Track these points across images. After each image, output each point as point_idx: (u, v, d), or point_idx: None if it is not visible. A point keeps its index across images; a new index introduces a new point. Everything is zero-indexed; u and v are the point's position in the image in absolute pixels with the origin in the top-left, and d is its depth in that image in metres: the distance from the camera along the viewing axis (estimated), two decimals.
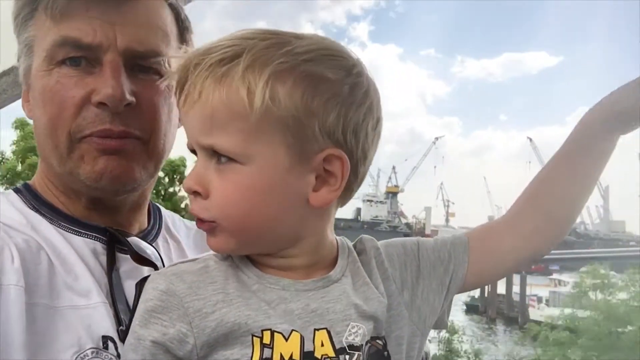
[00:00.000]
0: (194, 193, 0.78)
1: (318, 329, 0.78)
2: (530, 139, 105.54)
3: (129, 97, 0.92)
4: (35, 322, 0.83)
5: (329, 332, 0.78)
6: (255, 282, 0.80)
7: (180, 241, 1.13)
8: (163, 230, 1.12)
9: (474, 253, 0.92)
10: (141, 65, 0.95)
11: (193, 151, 0.80)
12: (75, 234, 0.97)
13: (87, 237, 0.97)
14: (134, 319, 0.79)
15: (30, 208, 0.98)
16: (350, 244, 0.90)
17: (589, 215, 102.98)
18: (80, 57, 0.93)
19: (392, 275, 0.88)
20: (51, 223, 0.96)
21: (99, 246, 0.97)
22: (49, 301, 0.86)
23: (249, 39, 0.76)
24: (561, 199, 0.92)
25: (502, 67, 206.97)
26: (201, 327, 0.75)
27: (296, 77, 0.74)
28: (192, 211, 0.80)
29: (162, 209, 1.17)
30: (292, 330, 0.76)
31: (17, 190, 1.03)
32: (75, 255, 0.93)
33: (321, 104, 0.75)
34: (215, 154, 0.76)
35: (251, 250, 0.81)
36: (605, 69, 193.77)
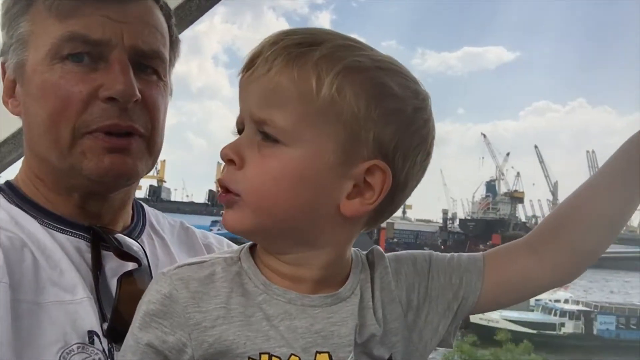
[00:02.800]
0: (229, 161, 0.77)
1: (320, 352, 0.76)
2: (484, 135, 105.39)
3: (138, 94, 0.95)
4: (21, 319, 0.84)
5: (330, 357, 0.77)
6: (261, 292, 0.78)
7: (164, 237, 1.12)
8: (147, 227, 1.11)
9: (489, 279, 0.86)
10: (143, 64, 0.98)
11: (240, 130, 0.79)
12: (60, 232, 0.97)
13: (71, 235, 0.98)
14: (133, 321, 0.79)
15: (13, 205, 0.98)
16: (364, 257, 0.87)
17: (540, 209, 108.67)
18: (83, 53, 0.94)
19: (398, 297, 0.84)
20: (35, 220, 0.97)
21: (83, 244, 0.98)
22: (34, 297, 0.87)
23: (328, 33, 0.77)
24: (593, 233, 0.86)
25: (461, 61, 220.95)
26: (199, 341, 0.75)
27: (366, 79, 0.74)
28: (222, 180, 0.78)
29: (145, 206, 1.16)
30: (292, 354, 0.75)
31: None
32: (61, 251, 0.94)
33: (383, 114, 0.74)
34: (262, 131, 0.75)
35: (263, 239, 0.80)
36: (560, 65, 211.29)
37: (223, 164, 0.79)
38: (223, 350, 0.76)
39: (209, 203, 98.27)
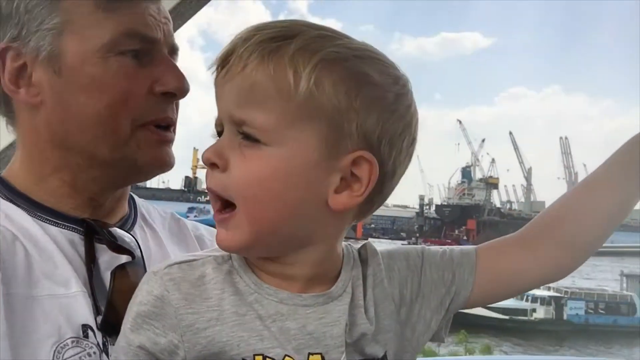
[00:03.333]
0: (212, 165, 0.76)
1: (313, 353, 0.76)
2: (460, 121, 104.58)
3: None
4: (14, 313, 0.84)
5: (323, 358, 0.76)
6: (253, 292, 0.77)
7: (155, 229, 1.12)
8: (139, 219, 1.11)
9: (482, 275, 0.86)
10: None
11: (219, 132, 0.77)
12: (52, 225, 0.97)
13: (64, 228, 0.97)
14: (124, 322, 0.78)
15: (3, 199, 0.98)
16: (356, 253, 0.85)
17: (514, 194, 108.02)
18: (139, 50, 0.98)
19: (391, 295, 0.84)
20: (27, 213, 0.96)
21: (77, 237, 0.97)
22: (27, 291, 0.87)
23: (301, 25, 0.75)
24: (588, 230, 0.86)
25: (438, 46, 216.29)
26: (192, 343, 0.74)
27: (344, 70, 0.72)
28: (209, 186, 0.76)
29: (136, 198, 1.16)
30: (285, 355, 0.74)
31: None
32: (53, 244, 0.93)
33: (364, 103, 0.73)
34: (242, 131, 0.73)
35: (261, 249, 0.77)
36: (535, 52, 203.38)
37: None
38: (216, 352, 0.75)
39: (186, 189, 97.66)
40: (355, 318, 0.80)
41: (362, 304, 0.81)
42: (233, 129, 0.75)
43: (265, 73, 0.72)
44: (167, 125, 1.03)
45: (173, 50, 1.05)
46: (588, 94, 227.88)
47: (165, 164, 1.03)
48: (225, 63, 0.75)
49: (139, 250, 1.01)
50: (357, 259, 0.85)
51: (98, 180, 1.01)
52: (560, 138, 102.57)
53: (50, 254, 0.93)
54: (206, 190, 0.79)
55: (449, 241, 75.11)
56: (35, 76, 0.98)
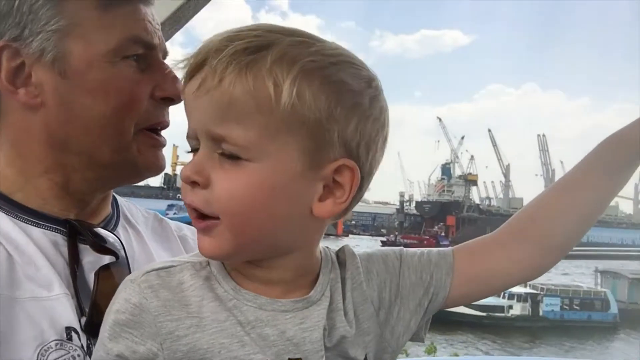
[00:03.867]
0: (192, 183, 0.74)
1: (293, 359, 0.76)
2: (440, 119, 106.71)
3: None
4: None
5: None
6: (232, 298, 0.77)
7: (139, 229, 1.12)
8: (122, 219, 1.11)
9: (459, 275, 0.87)
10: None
11: (194, 147, 0.76)
12: (34, 226, 0.96)
13: (47, 229, 0.97)
14: (102, 330, 0.77)
15: None
16: (334, 255, 0.85)
17: (493, 190, 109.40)
18: (142, 55, 1.00)
19: (370, 297, 0.84)
20: (7, 215, 0.95)
21: (60, 238, 0.97)
22: (9, 293, 0.86)
23: (273, 32, 0.73)
24: (563, 230, 0.87)
25: (418, 44, 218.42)
26: (172, 350, 0.74)
27: (323, 79, 0.72)
28: (190, 203, 0.75)
29: (118, 198, 1.15)
30: None
31: None
32: (35, 247, 0.93)
33: (343, 112, 0.73)
34: (221, 147, 0.72)
35: (244, 256, 0.77)
36: (513, 49, 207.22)
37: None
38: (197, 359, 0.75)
39: (165, 186, 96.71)
40: (334, 322, 0.80)
41: (342, 307, 0.82)
42: (211, 144, 0.74)
43: (244, 88, 0.71)
44: (161, 129, 1.06)
45: (165, 55, 1.07)
46: (564, 91, 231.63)
47: (160, 167, 1.07)
48: (195, 73, 0.73)
49: (122, 250, 1.01)
50: (335, 261, 0.85)
51: (91, 181, 1.02)
52: (538, 135, 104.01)
53: (32, 256, 0.92)
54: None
55: (428, 237, 75.12)
56: (36, 77, 0.97)
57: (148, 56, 1.02)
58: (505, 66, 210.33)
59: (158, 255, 1.09)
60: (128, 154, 1.01)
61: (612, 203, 0.92)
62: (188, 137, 0.77)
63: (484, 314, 29.00)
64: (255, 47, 0.71)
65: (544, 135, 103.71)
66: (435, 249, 0.91)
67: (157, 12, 1.06)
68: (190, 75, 0.74)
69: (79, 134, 0.98)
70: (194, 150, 0.76)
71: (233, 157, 0.73)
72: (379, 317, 0.85)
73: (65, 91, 0.97)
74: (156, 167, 1.06)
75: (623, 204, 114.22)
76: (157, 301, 0.76)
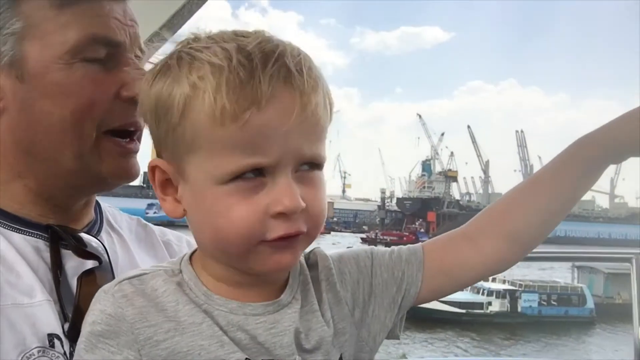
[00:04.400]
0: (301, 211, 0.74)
1: None
2: (420, 116, 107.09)
3: None
4: None
5: None
6: (203, 303, 0.77)
7: (122, 235, 1.10)
8: (105, 224, 1.08)
9: (429, 270, 0.88)
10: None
11: (242, 173, 0.73)
12: (15, 232, 0.94)
13: (29, 235, 0.95)
14: (78, 342, 0.76)
15: None
16: (303, 258, 0.86)
17: (473, 185, 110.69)
18: (106, 55, 0.95)
19: (344, 298, 0.85)
20: None
21: (42, 244, 0.95)
22: None
23: (286, 48, 0.75)
24: (532, 225, 0.89)
25: (398, 40, 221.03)
26: (151, 356, 0.73)
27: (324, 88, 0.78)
28: (300, 230, 0.75)
29: (102, 203, 1.12)
30: (246, 358, 0.75)
31: None
32: (16, 253, 0.91)
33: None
34: (302, 166, 0.75)
35: None
36: (493, 46, 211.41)
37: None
38: None
39: (144, 185, 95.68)
40: (310, 323, 0.81)
41: (318, 308, 0.83)
42: (293, 166, 0.75)
43: (321, 105, 0.75)
44: (134, 131, 1.00)
45: (140, 53, 1.02)
46: (542, 87, 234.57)
47: (129, 174, 1.01)
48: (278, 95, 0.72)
49: (106, 255, 0.99)
50: (304, 263, 0.87)
51: (62, 188, 0.99)
52: (516, 131, 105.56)
53: (13, 262, 0.91)
54: None
55: (407, 234, 75.71)
56: (22, 84, 0.94)
57: (115, 55, 0.97)
58: (484, 63, 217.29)
59: (142, 261, 1.07)
60: (91, 160, 0.96)
61: (589, 197, 0.94)
62: (244, 168, 0.73)
63: (463, 310, 29.30)
64: (303, 60, 0.75)
65: (522, 132, 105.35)
66: (405, 246, 0.93)
67: (153, 18, 1.04)
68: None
69: (41, 139, 0.95)
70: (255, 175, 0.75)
71: (314, 170, 0.77)
72: (354, 316, 0.86)
73: (24, 95, 0.94)
74: (123, 175, 1.00)
75: (599, 198, 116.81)
76: (133, 309, 0.76)
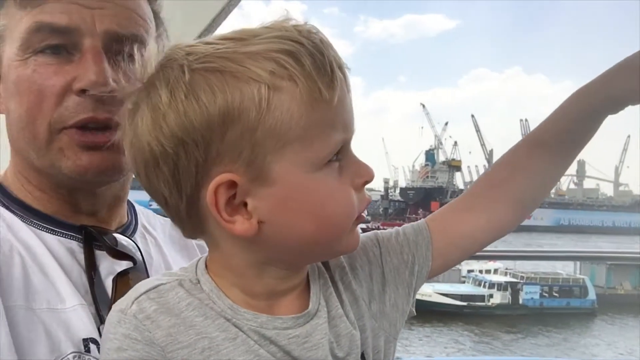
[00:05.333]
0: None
1: None
2: (424, 105, 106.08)
3: (112, 83, 0.87)
4: (15, 326, 0.80)
5: None
6: (231, 317, 0.73)
7: (156, 237, 1.08)
8: (140, 227, 1.07)
9: (438, 246, 0.87)
10: (121, 51, 0.89)
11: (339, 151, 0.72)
12: (50, 233, 0.92)
13: (63, 236, 0.93)
14: None
15: (0, 205, 0.94)
16: None
17: (477, 174, 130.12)
18: (58, 44, 0.88)
19: (360, 295, 0.82)
20: (23, 221, 0.92)
21: (75, 245, 0.93)
22: (26, 303, 0.83)
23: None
24: (535, 186, 0.89)
25: (402, 29, 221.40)
26: None
27: None
28: (369, 201, 0.77)
29: (136, 205, 1.11)
30: None
31: None
32: (51, 256, 0.89)
33: None
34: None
35: None
36: (498, 34, 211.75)
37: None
38: None
39: None
40: (338, 329, 0.78)
41: (342, 312, 0.80)
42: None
43: None
44: (107, 126, 0.90)
45: (119, 38, 0.90)
46: (547, 75, 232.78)
47: (96, 170, 0.91)
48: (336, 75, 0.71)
49: (140, 255, 0.97)
50: (321, 265, 0.83)
51: (58, 185, 0.95)
52: (521, 120, 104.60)
53: (48, 266, 0.88)
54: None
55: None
56: (1, 85, 0.96)
57: (77, 44, 0.89)
58: (489, 50, 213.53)
59: (175, 263, 1.05)
60: (50, 157, 0.91)
61: (593, 186, 0.93)
62: (340, 144, 0.73)
63: (465, 303, 29.35)
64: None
65: (526, 120, 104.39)
66: (409, 226, 0.90)
67: (193, 27, 0.97)
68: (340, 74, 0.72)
69: (15, 138, 0.95)
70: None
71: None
72: (372, 310, 0.83)
73: (4, 96, 0.95)
74: (87, 170, 0.90)
75: (604, 186, 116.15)
76: (161, 330, 0.70)
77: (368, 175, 0.75)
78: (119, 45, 0.90)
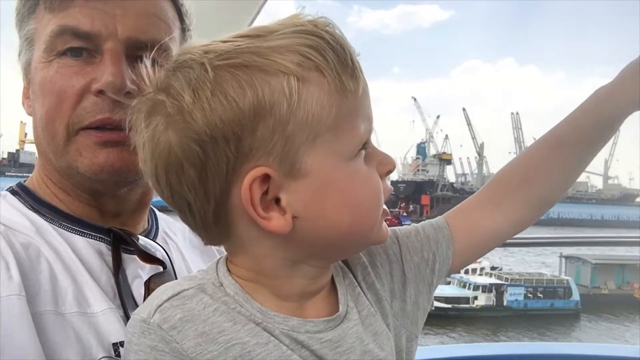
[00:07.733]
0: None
1: None
2: (415, 99, 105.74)
3: (130, 85, 0.89)
4: (45, 332, 0.80)
5: None
6: (261, 321, 0.71)
7: (177, 243, 1.10)
8: (161, 232, 1.08)
9: (459, 244, 0.87)
10: (142, 56, 0.85)
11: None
12: (78, 234, 0.93)
13: (91, 238, 0.94)
14: None
15: (29, 209, 0.94)
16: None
17: (469, 166, 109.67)
18: (81, 47, 0.91)
19: (382, 294, 0.82)
20: (51, 224, 0.93)
21: (104, 247, 0.94)
22: (55, 307, 0.83)
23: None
24: (555, 185, 0.90)
25: (396, 19, 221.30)
26: None
27: None
28: (391, 190, 0.78)
29: (156, 211, 1.12)
30: None
31: (13, 192, 0.98)
32: (79, 259, 0.90)
33: None
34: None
35: None
36: (491, 25, 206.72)
37: None
38: None
39: None
40: (375, 327, 0.78)
41: (373, 311, 0.80)
42: None
43: None
44: (122, 126, 0.87)
45: (140, 45, 0.91)
46: (540, 66, 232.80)
47: (112, 167, 0.92)
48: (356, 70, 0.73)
49: (168, 259, 0.98)
50: (344, 265, 0.82)
51: (79, 187, 0.97)
52: (512, 113, 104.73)
53: (76, 270, 0.89)
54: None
55: (390, 218, 74.46)
56: (25, 83, 0.99)
57: (98, 47, 0.91)
58: (482, 41, 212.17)
59: (196, 267, 1.05)
60: (68, 158, 0.93)
61: (583, 179, 0.99)
62: (368, 137, 0.74)
63: (449, 305, 29.52)
64: None
65: (517, 113, 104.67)
66: (428, 223, 0.91)
67: (240, 19, 0.94)
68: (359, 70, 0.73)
69: (39, 140, 0.98)
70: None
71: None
72: (394, 309, 0.83)
73: (32, 97, 0.98)
74: (103, 167, 0.92)
75: (593, 179, 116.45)
76: (189, 340, 0.67)
77: (391, 164, 0.76)
78: (140, 51, 0.90)
